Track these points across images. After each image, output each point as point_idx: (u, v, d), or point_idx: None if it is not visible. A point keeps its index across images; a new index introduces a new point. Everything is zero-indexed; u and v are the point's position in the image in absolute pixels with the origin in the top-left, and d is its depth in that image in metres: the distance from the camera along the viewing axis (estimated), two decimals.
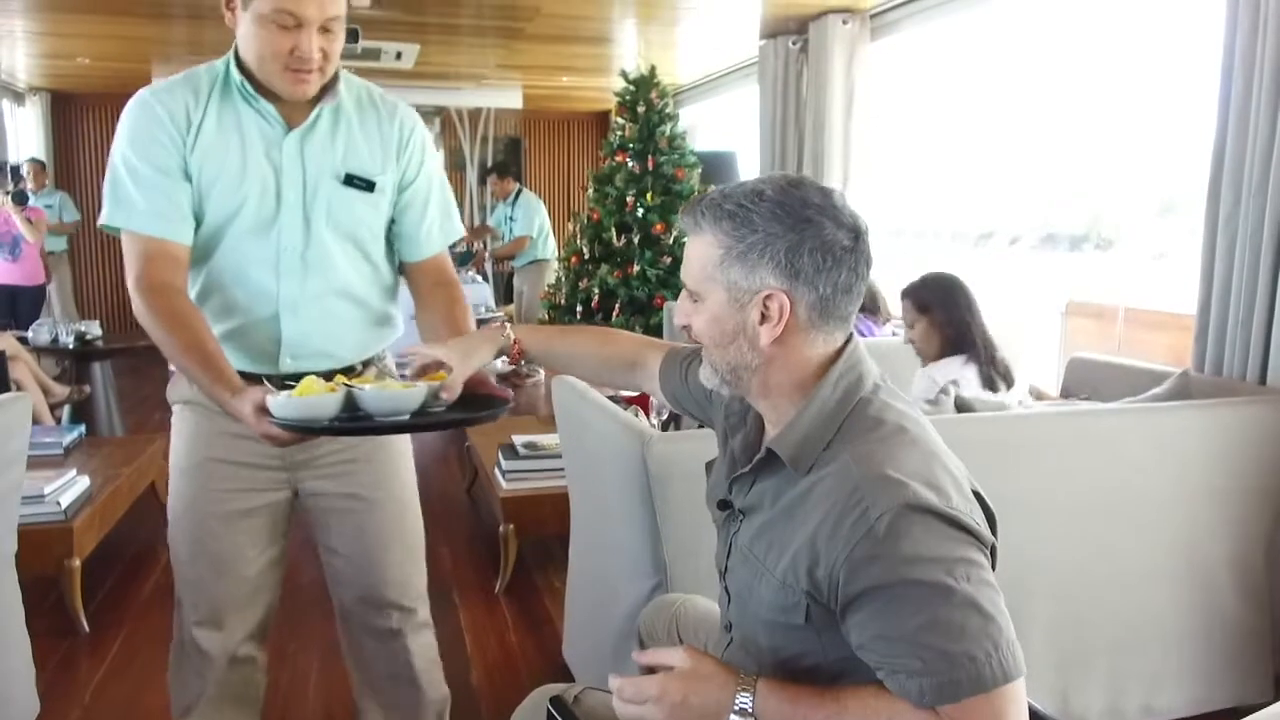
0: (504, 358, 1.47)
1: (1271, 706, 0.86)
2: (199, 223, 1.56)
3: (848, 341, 1.14)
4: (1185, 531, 2.25)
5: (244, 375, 1.50)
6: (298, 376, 1.43)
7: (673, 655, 1.07)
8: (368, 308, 1.72)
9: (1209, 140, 2.58)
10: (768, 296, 1.08)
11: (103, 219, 1.55)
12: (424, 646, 1.89)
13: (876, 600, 0.98)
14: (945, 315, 2.62)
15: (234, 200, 1.55)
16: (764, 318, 1.09)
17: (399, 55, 6.09)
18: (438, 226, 1.74)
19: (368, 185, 1.63)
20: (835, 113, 4.73)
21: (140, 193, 1.52)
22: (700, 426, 1.54)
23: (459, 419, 1.45)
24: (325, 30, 1.49)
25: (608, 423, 2.10)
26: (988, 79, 4.47)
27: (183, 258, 1.55)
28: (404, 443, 1.83)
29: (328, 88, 1.58)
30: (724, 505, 1.22)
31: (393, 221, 1.71)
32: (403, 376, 1.54)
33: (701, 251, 1.11)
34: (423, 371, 1.43)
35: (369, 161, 1.64)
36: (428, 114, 8.71)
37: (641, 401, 3.21)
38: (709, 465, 1.35)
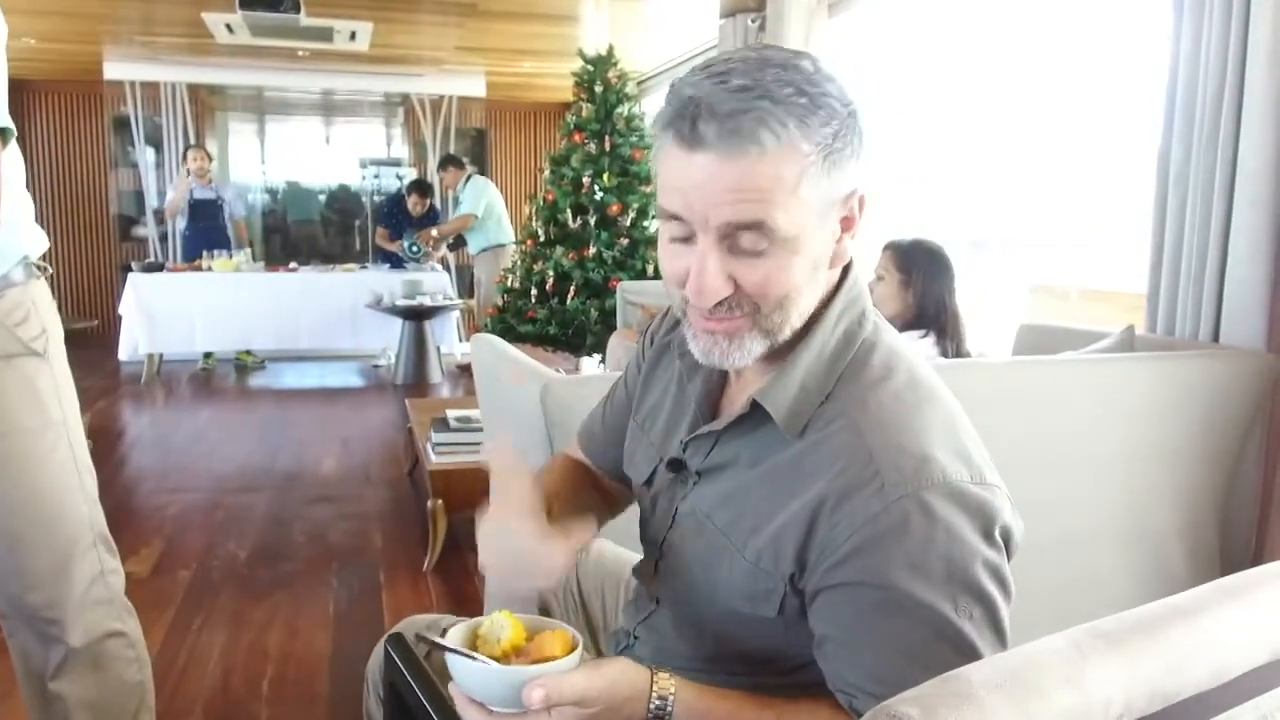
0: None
1: None
2: None
3: (846, 267, 0.91)
4: (1134, 494, 2.13)
5: None
6: None
7: (578, 692, 0.77)
8: None
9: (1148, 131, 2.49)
10: (852, 194, 0.84)
11: None
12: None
13: (861, 599, 0.80)
14: (925, 285, 2.48)
15: None
16: (847, 224, 0.86)
17: (353, 35, 5.96)
18: None
19: None
20: None
21: None
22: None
23: None
24: None
25: (512, 370, 1.96)
26: (945, 62, 4.38)
27: None
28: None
29: None
30: (675, 465, 0.99)
31: None
32: None
33: (777, 169, 0.78)
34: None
35: None
36: (393, 103, 8.58)
37: None
38: (624, 419, 1.12)
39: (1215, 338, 2.36)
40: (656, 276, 5.00)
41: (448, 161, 7.07)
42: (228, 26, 5.61)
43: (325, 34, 5.86)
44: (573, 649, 0.82)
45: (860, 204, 0.86)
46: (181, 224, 6.87)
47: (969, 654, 0.77)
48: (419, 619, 1.25)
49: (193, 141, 7.77)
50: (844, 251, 0.88)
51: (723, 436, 0.94)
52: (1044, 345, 2.69)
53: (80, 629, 1.53)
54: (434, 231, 7.00)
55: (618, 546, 1.46)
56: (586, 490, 1.20)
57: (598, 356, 5.16)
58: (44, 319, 1.49)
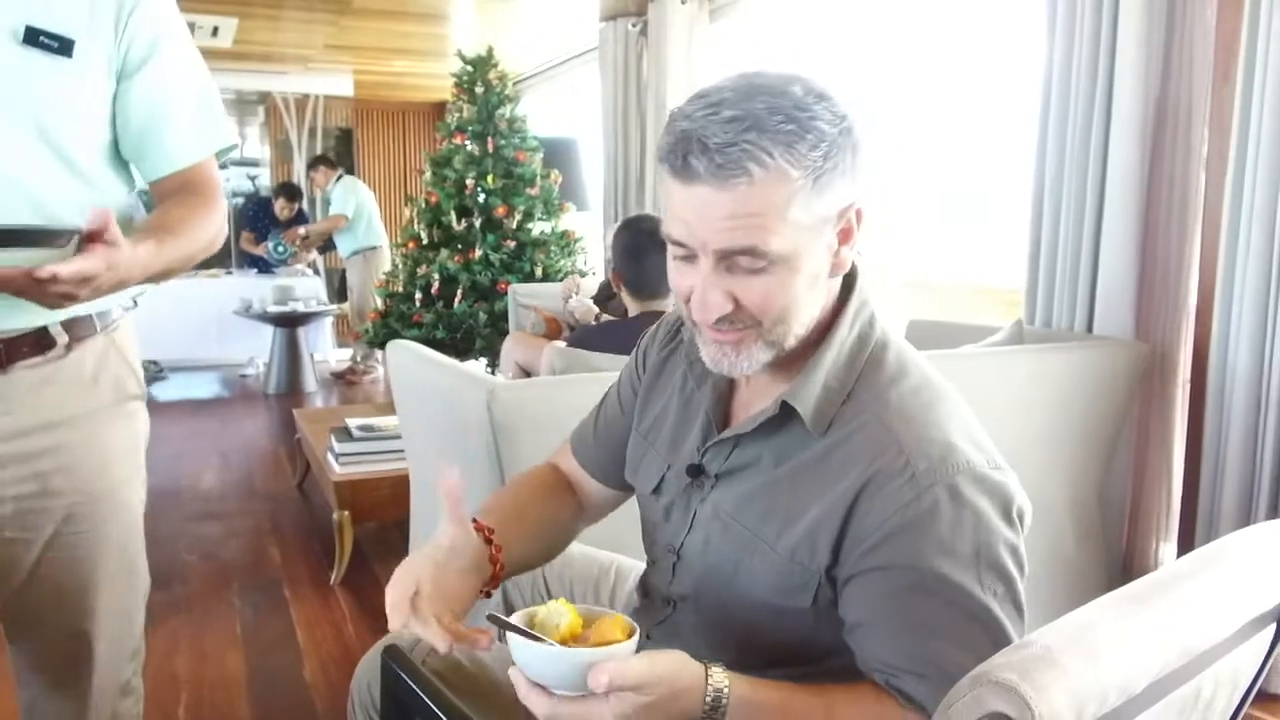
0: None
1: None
2: None
3: (853, 271, 0.96)
4: (1026, 475, 2.29)
5: None
6: None
7: (639, 678, 0.78)
8: None
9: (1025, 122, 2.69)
10: (847, 209, 0.88)
11: None
12: None
13: (894, 582, 0.86)
14: None
15: None
16: (845, 236, 0.90)
17: (215, 31, 5.71)
18: (190, 125, 1.26)
19: (60, 45, 1.12)
20: (676, 96, 4.71)
21: None
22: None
23: None
24: None
25: (448, 378, 1.96)
26: (824, 66, 4.56)
27: None
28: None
29: None
30: (693, 471, 1.02)
31: (118, 122, 1.22)
32: None
33: (766, 196, 0.83)
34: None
35: (63, 10, 1.13)
36: (251, 101, 8.24)
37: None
38: (634, 429, 1.14)
39: (1090, 328, 2.57)
40: (546, 279, 5.01)
41: (319, 161, 6.85)
42: None
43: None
44: (632, 635, 0.84)
45: (858, 216, 0.90)
46: None
47: (995, 629, 0.84)
48: (403, 634, 1.24)
49: None
50: (844, 261, 0.93)
51: (743, 440, 0.98)
52: (935, 340, 2.85)
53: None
54: (302, 230, 6.77)
55: (585, 547, 1.49)
56: (546, 506, 1.22)
57: (484, 360, 5.12)
58: (137, 360, 1.37)
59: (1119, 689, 0.61)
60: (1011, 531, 0.88)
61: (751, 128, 0.82)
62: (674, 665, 0.82)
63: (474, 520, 1.04)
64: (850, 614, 0.90)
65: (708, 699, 0.82)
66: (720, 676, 0.84)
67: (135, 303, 1.37)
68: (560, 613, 0.86)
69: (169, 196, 1.26)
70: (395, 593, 0.93)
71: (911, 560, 0.85)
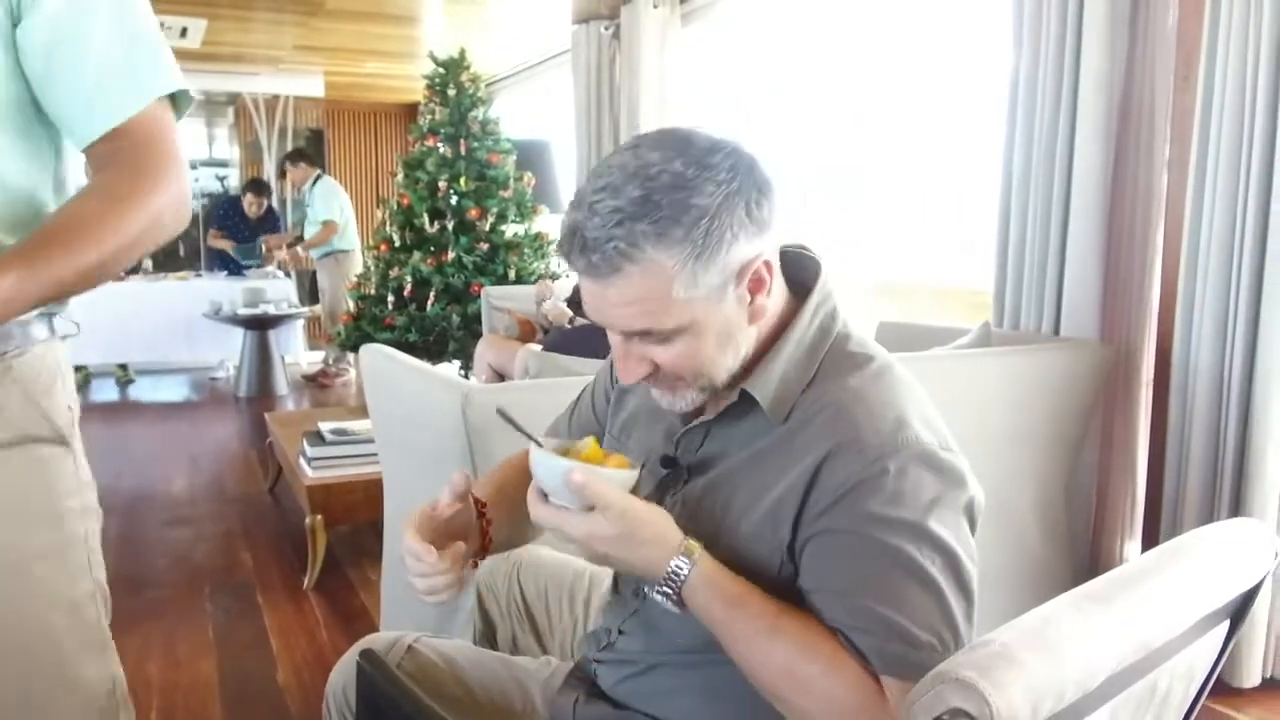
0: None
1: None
2: None
3: (817, 269, 1.02)
4: (995, 476, 2.33)
5: None
6: None
7: (606, 499, 0.87)
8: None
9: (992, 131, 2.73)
10: (748, 265, 0.91)
11: None
12: None
13: (838, 544, 0.90)
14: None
15: None
16: (756, 287, 0.93)
17: (184, 32, 5.66)
18: (118, 68, 0.98)
19: None
20: (649, 100, 4.73)
21: None
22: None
23: None
24: None
25: (422, 382, 1.96)
26: (797, 70, 4.59)
27: None
28: None
29: None
30: (667, 462, 1.06)
31: (26, 70, 0.98)
32: None
33: (646, 285, 0.87)
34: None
35: None
36: (220, 102, 8.17)
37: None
38: (619, 422, 1.17)
39: (1056, 331, 2.61)
40: (520, 281, 5.00)
41: (298, 157, 6.76)
42: None
43: None
44: (626, 466, 0.93)
45: (767, 267, 0.93)
46: None
47: (936, 593, 0.88)
48: (378, 638, 1.25)
49: None
50: (761, 308, 0.95)
51: (713, 428, 1.02)
52: (905, 342, 2.89)
53: None
54: (300, 251, 6.75)
55: (555, 551, 1.50)
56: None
57: (458, 363, 5.12)
58: (71, 393, 1.10)
59: (1076, 684, 0.63)
60: (956, 511, 0.92)
61: (624, 220, 0.86)
62: (648, 513, 0.90)
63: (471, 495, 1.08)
64: (804, 583, 0.93)
65: (672, 563, 0.89)
66: (693, 547, 0.90)
67: (52, 329, 1.06)
68: (585, 444, 0.96)
69: (102, 169, 1.00)
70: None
71: (853, 524, 0.89)
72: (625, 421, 1.14)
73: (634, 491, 0.92)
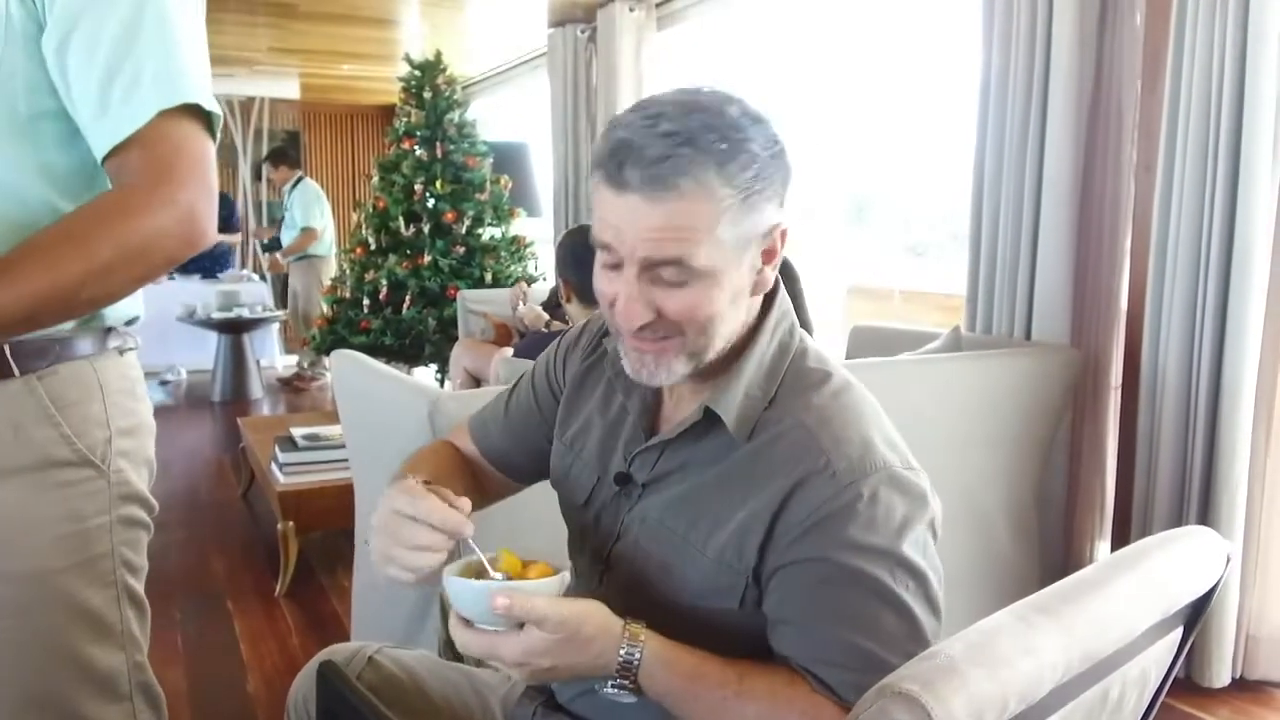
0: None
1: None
2: None
3: (776, 284, 0.99)
4: (965, 479, 2.35)
5: None
6: None
7: (540, 612, 0.83)
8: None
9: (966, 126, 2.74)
10: (773, 229, 0.91)
11: None
12: None
13: (810, 574, 0.88)
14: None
15: None
16: (769, 256, 0.93)
17: None
18: (133, 76, 0.92)
19: None
20: (625, 103, 4.73)
21: None
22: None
23: None
24: None
25: (391, 388, 1.95)
26: (772, 73, 4.61)
27: None
28: None
29: None
30: (621, 479, 1.03)
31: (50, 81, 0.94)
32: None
33: (696, 210, 0.84)
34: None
35: None
36: None
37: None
38: (557, 439, 1.14)
39: (1028, 335, 2.63)
40: (496, 285, 4.99)
41: (281, 158, 6.70)
42: None
43: None
44: (550, 573, 0.89)
45: (782, 237, 0.93)
46: None
47: (909, 620, 0.87)
48: (339, 648, 1.24)
49: None
50: (766, 280, 0.96)
51: (669, 447, 1.00)
52: (877, 346, 2.90)
53: None
54: (279, 257, 6.67)
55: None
56: (462, 476, 1.22)
57: (434, 367, 5.10)
58: (114, 414, 1.05)
59: (1019, 696, 0.63)
60: (923, 529, 0.91)
61: (687, 143, 0.84)
62: (584, 610, 0.86)
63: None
64: (771, 610, 0.92)
65: (622, 651, 0.86)
66: (638, 629, 0.87)
67: (103, 344, 1.03)
68: (498, 559, 0.92)
69: (114, 185, 0.96)
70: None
71: (826, 553, 0.88)
72: (579, 431, 1.13)
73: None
